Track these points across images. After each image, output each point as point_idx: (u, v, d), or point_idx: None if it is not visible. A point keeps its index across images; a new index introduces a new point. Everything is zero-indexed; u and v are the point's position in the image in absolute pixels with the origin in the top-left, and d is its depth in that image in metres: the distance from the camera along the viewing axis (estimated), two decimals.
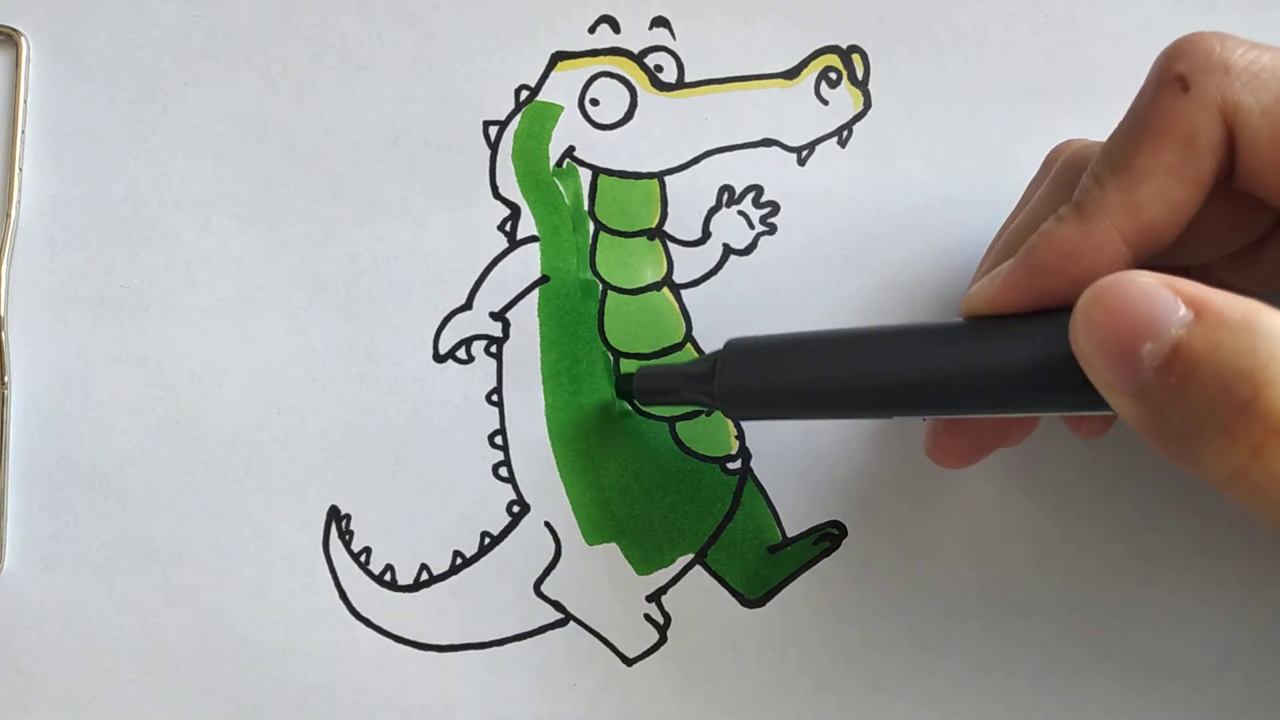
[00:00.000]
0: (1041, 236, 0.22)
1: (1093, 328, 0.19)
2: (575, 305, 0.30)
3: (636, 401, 0.29)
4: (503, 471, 0.30)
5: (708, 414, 0.30)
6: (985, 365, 0.21)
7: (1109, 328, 0.19)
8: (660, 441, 0.30)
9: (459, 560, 0.30)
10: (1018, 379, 0.21)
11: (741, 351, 0.25)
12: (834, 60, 0.30)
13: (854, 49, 0.30)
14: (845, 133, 0.30)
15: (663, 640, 0.30)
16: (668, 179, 0.30)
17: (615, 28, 0.30)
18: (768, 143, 0.30)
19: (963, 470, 0.29)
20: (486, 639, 0.30)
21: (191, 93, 0.31)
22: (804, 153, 0.30)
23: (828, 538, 0.30)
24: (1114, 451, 0.29)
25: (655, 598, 0.30)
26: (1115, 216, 0.21)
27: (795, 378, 0.24)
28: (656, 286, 0.30)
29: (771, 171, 0.30)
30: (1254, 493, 0.18)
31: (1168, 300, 0.18)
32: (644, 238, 0.30)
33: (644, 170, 0.30)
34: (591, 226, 0.30)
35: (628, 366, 0.30)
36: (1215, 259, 0.24)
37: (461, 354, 0.30)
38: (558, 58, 0.30)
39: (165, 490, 0.30)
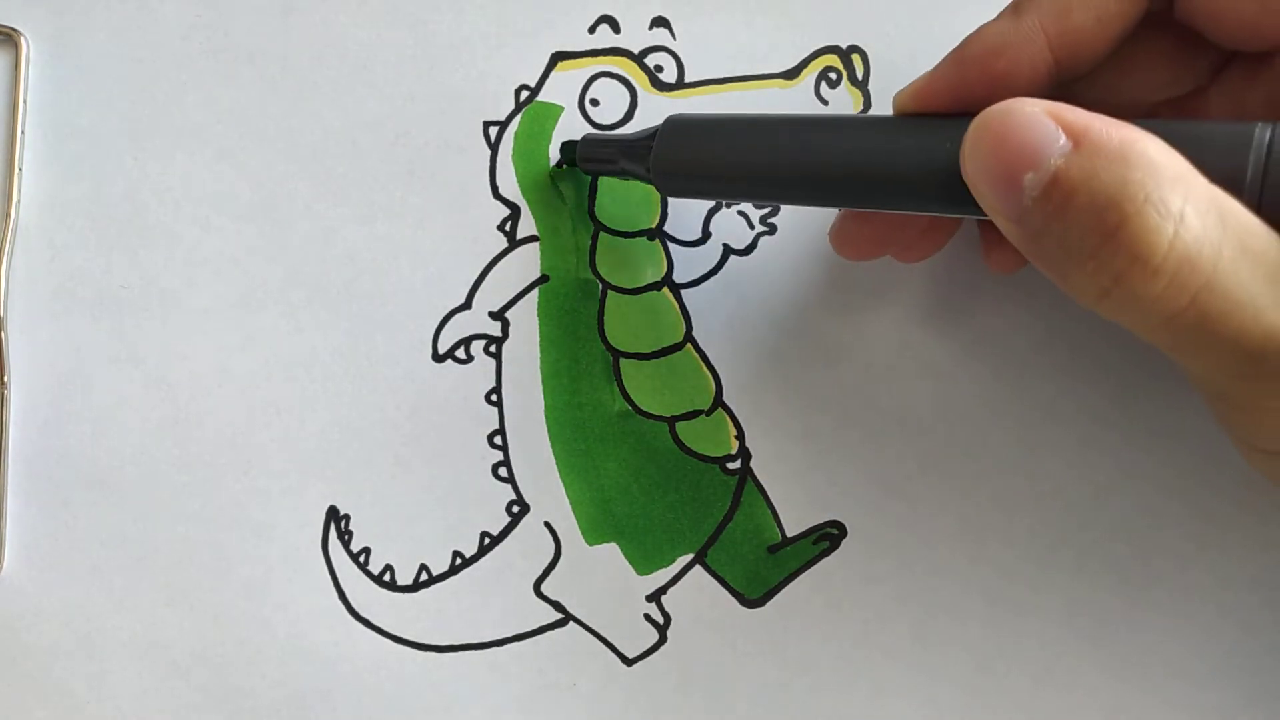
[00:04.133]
0: (974, 32, 0.23)
1: (978, 155, 0.20)
2: (575, 305, 0.30)
3: (579, 169, 0.29)
4: (502, 471, 0.30)
5: (708, 414, 0.30)
6: (900, 162, 0.22)
7: (994, 156, 0.20)
8: (660, 441, 0.30)
9: (458, 560, 0.30)
10: (926, 179, 0.22)
11: (681, 126, 0.26)
12: (834, 60, 0.30)
13: (854, 49, 0.30)
14: None
15: (663, 640, 0.30)
16: None
17: (615, 28, 0.30)
18: None
19: (963, 471, 0.29)
20: (486, 639, 0.30)
21: (191, 93, 0.31)
22: None
23: (828, 538, 0.30)
24: (1115, 452, 0.29)
25: (655, 598, 0.30)
26: (1044, 15, 0.22)
27: (727, 156, 0.24)
28: (656, 286, 0.30)
29: None
30: (1118, 314, 0.19)
31: (1049, 129, 0.19)
32: (644, 238, 0.30)
33: None
34: (591, 226, 0.30)
35: (627, 367, 0.30)
36: (1158, 102, 0.24)
37: (461, 354, 0.30)
38: (558, 58, 0.30)
39: (165, 490, 0.30)
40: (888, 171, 0.22)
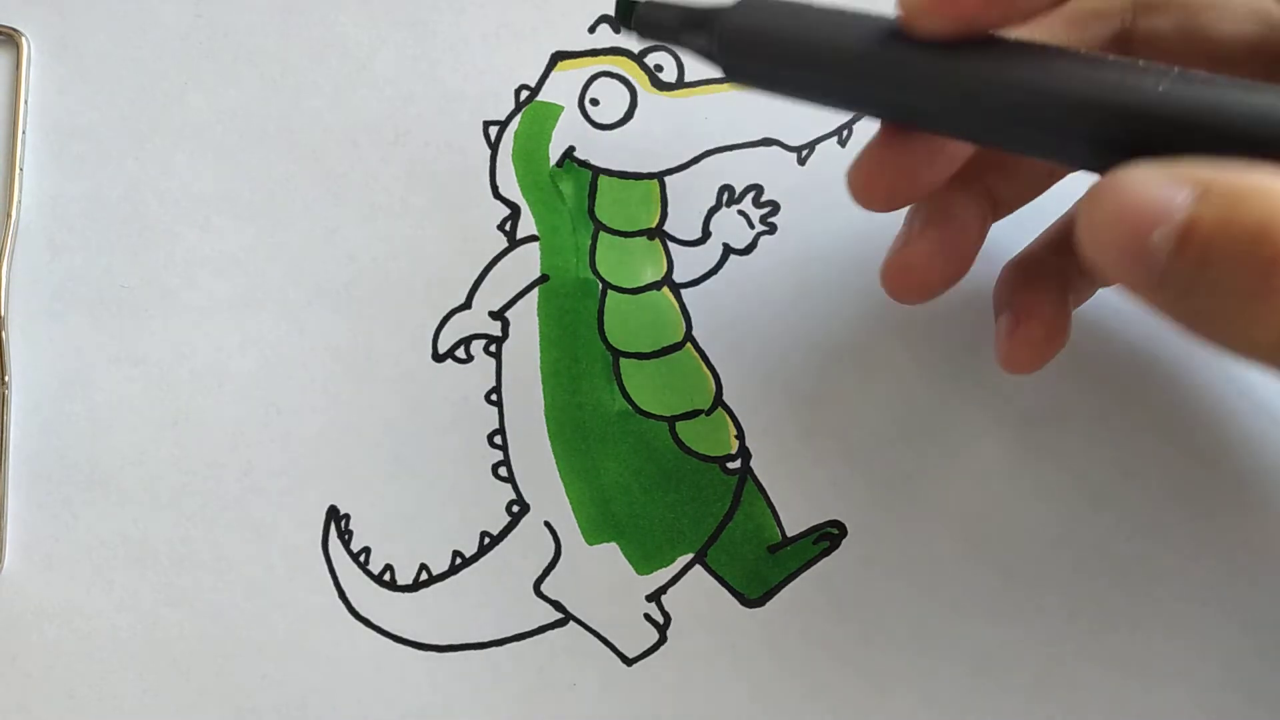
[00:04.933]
0: None
1: (1095, 229, 0.19)
2: (575, 305, 0.30)
3: (636, 30, 0.25)
4: (502, 471, 0.30)
5: (708, 414, 0.30)
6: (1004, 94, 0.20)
7: (1112, 227, 0.18)
8: (660, 441, 0.30)
9: (458, 560, 0.30)
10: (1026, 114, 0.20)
11: (754, 2, 0.22)
12: None
13: None
14: (845, 132, 0.30)
15: (663, 640, 0.30)
16: (667, 179, 0.30)
17: (615, 28, 0.30)
18: (768, 142, 0.30)
19: (963, 471, 0.29)
20: (486, 639, 0.30)
21: (191, 93, 0.31)
22: (804, 152, 0.30)
23: (828, 538, 0.29)
24: (1115, 452, 0.29)
25: (655, 597, 0.30)
26: None
27: (803, 42, 0.21)
28: (656, 286, 0.30)
29: (771, 171, 0.30)
30: None
31: (1169, 186, 0.18)
32: (644, 237, 0.30)
33: (644, 170, 0.30)
34: (591, 226, 0.30)
35: (627, 366, 0.30)
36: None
37: (460, 353, 0.30)
38: (558, 58, 0.30)
39: (165, 490, 0.30)
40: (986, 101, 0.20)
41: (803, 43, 0.21)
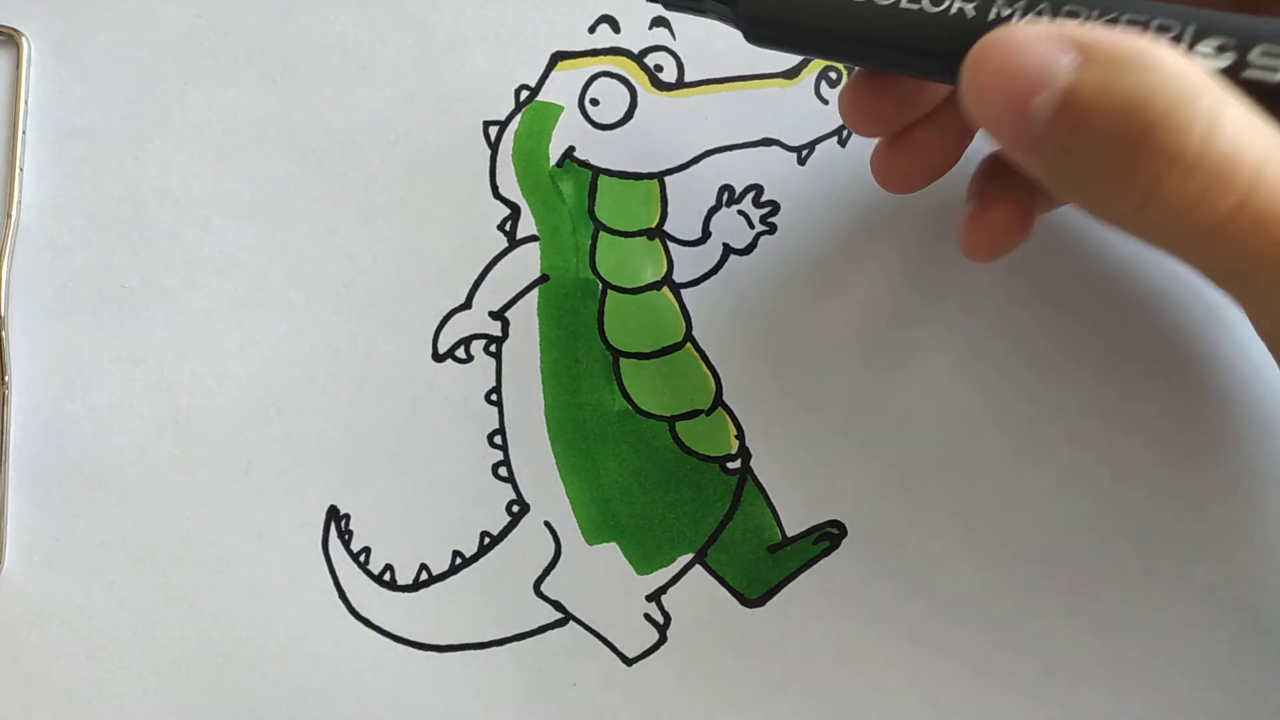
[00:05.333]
0: None
1: (978, 89, 0.19)
2: (575, 305, 0.30)
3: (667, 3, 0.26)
4: (502, 471, 0.30)
5: (708, 414, 0.30)
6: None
7: (994, 89, 0.19)
8: (660, 441, 0.30)
9: (458, 560, 0.30)
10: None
11: None
12: None
13: None
14: (845, 132, 0.30)
15: (663, 640, 0.30)
16: (668, 179, 0.30)
17: (615, 28, 0.30)
18: (768, 142, 0.30)
19: (963, 471, 0.29)
20: (486, 639, 0.30)
21: (192, 93, 0.31)
22: (804, 152, 0.30)
23: (828, 537, 0.29)
24: (1115, 451, 0.29)
25: (655, 597, 0.30)
26: None
27: (811, 18, 0.22)
28: (656, 286, 0.30)
29: (771, 171, 0.30)
30: (1153, 228, 0.18)
31: (1053, 48, 0.18)
32: (644, 237, 0.30)
33: (644, 170, 0.30)
34: (591, 226, 0.30)
35: (627, 366, 0.30)
36: None
37: (460, 353, 0.30)
38: (558, 58, 0.30)
39: (165, 490, 0.30)
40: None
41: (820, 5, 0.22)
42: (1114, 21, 0.18)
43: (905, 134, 0.26)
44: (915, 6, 0.21)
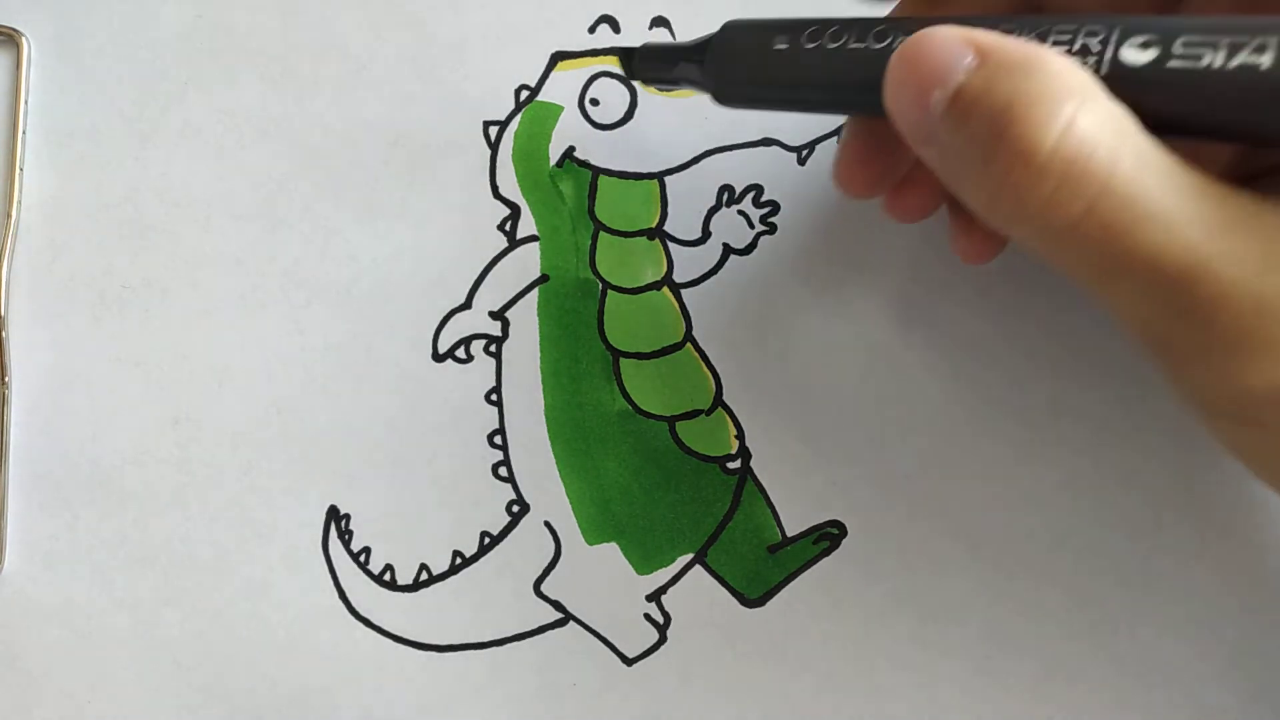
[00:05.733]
0: None
1: (893, 84, 0.20)
2: (575, 305, 0.30)
3: (639, 77, 0.28)
4: (502, 471, 0.30)
5: (708, 414, 0.30)
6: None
7: (906, 82, 0.20)
8: (660, 441, 0.30)
9: (459, 560, 0.30)
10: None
11: (738, 30, 0.25)
12: None
13: None
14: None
15: (663, 640, 0.30)
16: (667, 179, 0.30)
17: (615, 28, 0.30)
18: (767, 142, 0.30)
19: (963, 471, 0.29)
20: (486, 639, 0.30)
21: (192, 93, 0.31)
22: (804, 152, 0.30)
23: (828, 538, 0.29)
24: (1115, 451, 0.29)
25: (655, 597, 0.30)
26: None
27: (784, 64, 0.23)
28: (656, 286, 0.30)
29: (771, 171, 0.30)
30: (1015, 224, 0.19)
31: (957, 49, 0.19)
32: (644, 237, 0.30)
33: (644, 170, 0.30)
34: (591, 226, 0.30)
35: (627, 366, 0.30)
36: None
37: (461, 353, 0.30)
38: (558, 58, 0.30)
39: (165, 490, 0.30)
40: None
41: (783, 71, 0.23)
42: (1044, 34, 0.19)
43: (905, 180, 0.26)
44: (861, 45, 0.22)
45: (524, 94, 0.30)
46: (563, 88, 0.30)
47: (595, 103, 0.30)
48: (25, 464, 0.30)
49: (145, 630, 0.30)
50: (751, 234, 0.30)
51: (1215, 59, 0.17)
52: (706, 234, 0.30)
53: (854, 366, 0.30)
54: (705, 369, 0.30)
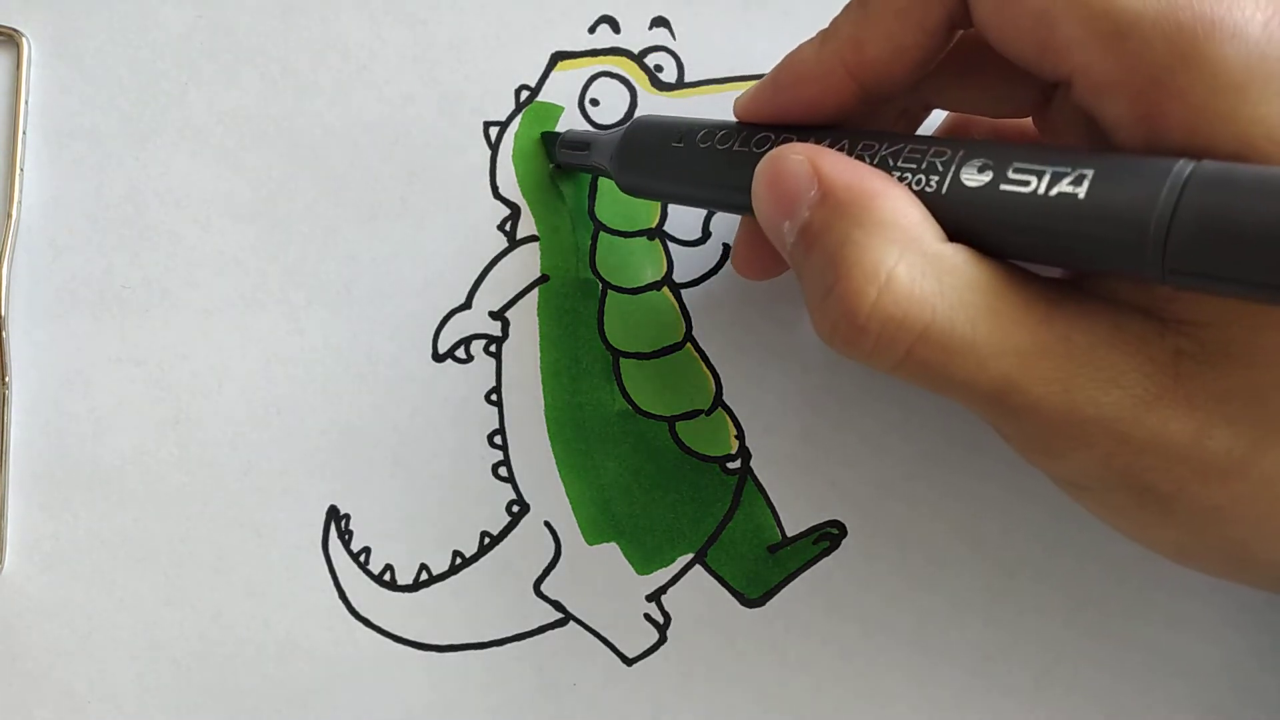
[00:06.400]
0: (786, 57, 0.24)
1: (757, 200, 0.22)
2: (575, 305, 0.30)
3: (558, 159, 0.30)
4: (502, 471, 0.30)
5: (708, 414, 0.30)
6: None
7: (766, 201, 0.22)
8: (660, 441, 0.30)
9: (459, 560, 0.30)
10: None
11: (642, 128, 0.26)
12: None
13: None
14: None
15: (663, 640, 0.30)
16: None
17: (615, 28, 0.30)
18: None
19: (963, 471, 0.29)
20: (486, 639, 0.30)
21: (192, 93, 0.31)
22: None
23: (828, 538, 0.29)
24: None
25: (655, 597, 0.30)
26: (842, 48, 0.22)
27: (672, 165, 0.25)
28: (656, 286, 0.30)
29: None
30: (841, 352, 0.20)
31: (805, 179, 0.21)
32: (644, 237, 0.30)
33: None
34: (591, 226, 0.30)
35: (627, 366, 0.30)
36: (1015, 113, 0.25)
37: (461, 353, 0.30)
38: (558, 58, 0.30)
39: (165, 490, 0.30)
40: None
41: (671, 172, 0.25)
42: (898, 152, 0.21)
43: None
44: (745, 149, 0.23)
45: (524, 94, 0.30)
46: (563, 88, 0.30)
47: (595, 103, 0.30)
48: (25, 464, 0.30)
49: (145, 630, 0.30)
50: None
51: (1040, 186, 0.19)
52: (706, 234, 0.30)
53: (854, 366, 0.30)
54: (705, 369, 0.30)
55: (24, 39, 0.31)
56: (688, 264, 0.30)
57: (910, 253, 0.19)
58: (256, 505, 0.30)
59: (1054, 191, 0.18)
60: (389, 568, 0.30)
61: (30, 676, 0.30)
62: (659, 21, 0.30)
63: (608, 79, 0.30)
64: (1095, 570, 0.29)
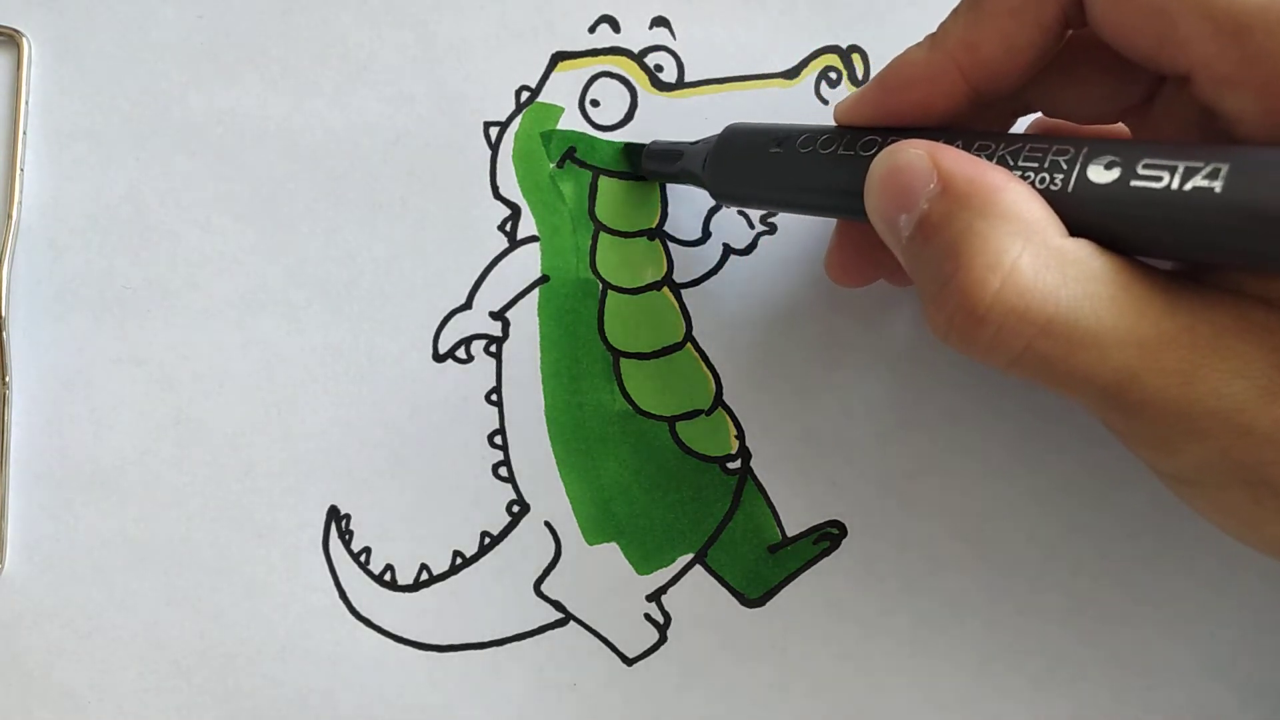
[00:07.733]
0: (894, 60, 0.23)
1: (870, 195, 0.22)
2: (575, 305, 0.30)
3: (644, 170, 0.30)
4: (502, 471, 0.30)
5: (708, 414, 0.30)
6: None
7: (880, 197, 0.21)
8: (660, 441, 0.30)
9: (459, 560, 0.30)
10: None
11: (735, 136, 0.26)
12: (834, 60, 0.30)
13: (854, 49, 0.30)
14: None
15: (663, 640, 0.30)
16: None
17: (615, 28, 0.30)
18: None
19: (963, 470, 0.29)
20: (486, 639, 0.30)
21: (192, 93, 0.31)
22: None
23: (828, 538, 0.29)
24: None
25: (655, 597, 0.30)
26: (955, 49, 0.22)
27: (770, 174, 0.25)
28: (656, 286, 0.30)
29: None
30: (966, 352, 0.20)
31: (924, 172, 0.20)
32: (644, 238, 0.30)
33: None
34: (592, 226, 0.30)
35: (627, 366, 0.30)
36: (1110, 113, 0.24)
37: (461, 353, 0.30)
38: (558, 58, 0.30)
39: (165, 490, 0.30)
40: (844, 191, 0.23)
41: (769, 181, 0.25)
42: (1017, 151, 0.21)
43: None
44: (850, 154, 0.23)
45: (524, 94, 0.30)
46: (563, 88, 0.30)
47: (596, 103, 0.30)
48: (25, 464, 0.30)
49: (145, 630, 0.30)
50: (751, 234, 0.30)
51: (1173, 181, 0.18)
52: (706, 234, 0.30)
53: (854, 366, 0.30)
54: (705, 369, 0.30)
55: (24, 39, 0.31)
56: (688, 264, 0.30)
57: (1034, 245, 0.19)
58: (257, 505, 0.30)
59: (1188, 186, 0.18)
60: (389, 568, 0.30)
61: (30, 676, 0.30)
62: (659, 21, 0.30)
63: (608, 79, 0.30)
64: (1095, 570, 0.29)
